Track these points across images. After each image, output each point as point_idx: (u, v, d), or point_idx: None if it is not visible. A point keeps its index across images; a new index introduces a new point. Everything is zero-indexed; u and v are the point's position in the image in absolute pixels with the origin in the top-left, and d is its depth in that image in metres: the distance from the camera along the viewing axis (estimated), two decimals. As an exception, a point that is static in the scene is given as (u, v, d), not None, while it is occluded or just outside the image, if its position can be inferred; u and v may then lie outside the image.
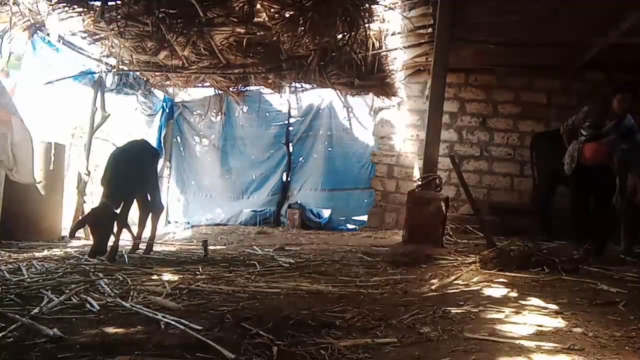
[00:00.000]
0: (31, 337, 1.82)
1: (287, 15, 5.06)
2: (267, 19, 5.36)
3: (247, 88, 8.03)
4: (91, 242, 5.51)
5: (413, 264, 3.61)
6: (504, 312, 2.20)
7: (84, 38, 6.04)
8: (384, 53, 6.28)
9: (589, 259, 3.71)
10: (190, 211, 8.57)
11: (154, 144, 7.04)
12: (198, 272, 3.32)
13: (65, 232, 5.65)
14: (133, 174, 3.94)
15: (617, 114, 4.47)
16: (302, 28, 5.03)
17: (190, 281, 2.97)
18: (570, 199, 4.79)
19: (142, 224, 4.28)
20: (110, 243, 3.86)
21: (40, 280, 2.89)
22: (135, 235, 4.20)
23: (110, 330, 1.95)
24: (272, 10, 5.19)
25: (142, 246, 4.31)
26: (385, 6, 5.25)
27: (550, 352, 1.65)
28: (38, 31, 5.55)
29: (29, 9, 5.23)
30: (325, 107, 8.43)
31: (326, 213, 8.31)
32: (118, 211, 3.85)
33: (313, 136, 8.50)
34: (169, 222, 8.30)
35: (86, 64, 6.45)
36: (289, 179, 8.57)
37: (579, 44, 5.95)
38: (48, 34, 5.70)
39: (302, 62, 6.35)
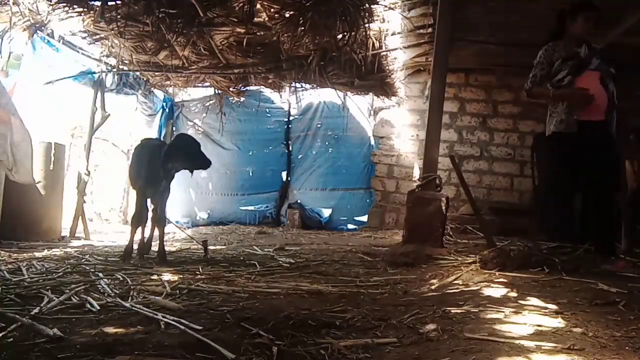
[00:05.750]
0: (31, 337, 1.81)
1: (287, 15, 5.06)
2: (267, 19, 5.37)
3: (247, 88, 8.04)
4: (90, 242, 5.55)
5: (413, 264, 3.61)
6: (503, 312, 2.20)
7: (84, 38, 6.05)
8: (384, 53, 6.28)
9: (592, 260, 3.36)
10: (189, 210, 8.57)
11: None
12: (198, 272, 3.32)
13: (65, 232, 5.67)
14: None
15: (581, 41, 3.72)
16: (302, 28, 5.04)
17: (190, 281, 2.96)
18: (549, 173, 4.03)
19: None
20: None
21: (40, 280, 2.89)
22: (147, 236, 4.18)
23: (110, 330, 1.95)
24: (272, 10, 5.19)
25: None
26: (385, 6, 5.25)
27: (550, 352, 1.65)
28: (38, 31, 5.55)
29: (29, 9, 5.23)
30: (325, 107, 8.45)
31: (326, 213, 8.32)
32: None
33: (313, 135, 8.52)
34: (169, 222, 8.30)
35: (86, 64, 6.45)
36: (288, 178, 8.58)
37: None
38: (48, 34, 5.70)
39: (302, 62, 6.36)
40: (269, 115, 8.68)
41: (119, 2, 5.01)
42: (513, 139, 7.47)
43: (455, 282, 2.98)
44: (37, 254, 4.04)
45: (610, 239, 3.80)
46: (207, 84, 7.85)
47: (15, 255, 3.95)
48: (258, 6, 5.16)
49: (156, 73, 7.02)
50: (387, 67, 6.65)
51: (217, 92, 8.13)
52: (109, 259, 3.92)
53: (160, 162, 3.82)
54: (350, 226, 8.12)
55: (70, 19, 5.37)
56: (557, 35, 3.91)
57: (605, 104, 3.68)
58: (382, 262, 3.85)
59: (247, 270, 3.47)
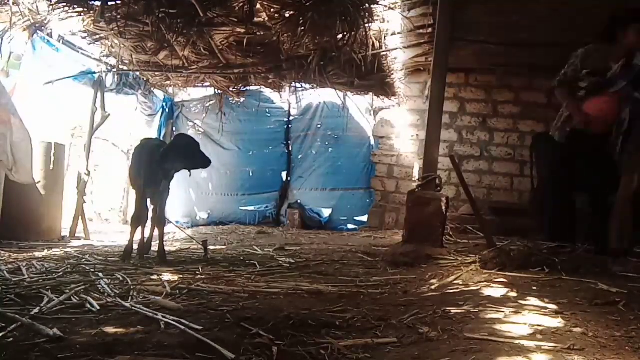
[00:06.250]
0: (31, 337, 1.82)
1: (287, 15, 5.06)
2: (267, 19, 5.36)
3: (247, 88, 8.03)
4: (90, 242, 5.55)
5: (413, 264, 3.61)
6: (503, 312, 2.20)
7: (84, 38, 6.05)
8: (384, 53, 6.28)
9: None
10: (190, 210, 8.57)
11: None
12: (198, 272, 3.32)
13: (65, 232, 5.67)
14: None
15: (626, 53, 3.44)
16: (302, 28, 5.03)
17: (190, 281, 2.97)
18: (550, 179, 3.90)
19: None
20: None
21: (40, 280, 2.89)
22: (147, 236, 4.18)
23: (110, 330, 1.95)
24: (272, 10, 5.19)
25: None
26: (385, 6, 5.25)
27: (550, 352, 1.65)
28: (38, 31, 5.55)
29: (29, 9, 5.23)
30: (325, 107, 8.45)
31: (326, 213, 8.32)
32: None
33: (313, 135, 8.52)
34: (169, 222, 8.30)
35: (86, 64, 6.45)
36: (288, 178, 8.58)
37: (579, 44, 5.94)
38: (48, 34, 5.70)
39: (302, 62, 6.35)
40: (269, 115, 8.68)
41: (119, 2, 5.01)
42: (513, 139, 7.47)
43: (455, 282, 2.98)
44: (37, 254, 4.04)
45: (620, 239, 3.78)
46: (207, 84, 7.84)
47: (15, 255, 3.95)
48: (258, 6, 5.15)
49: (156, 73, 7.02)
50: (387, 67, 6.64)
51: (217, 92, 8.13)
52: (109, 259, 3.92)
53: (159, 162, 3.82)
54: (350, 226, 8.12)
55: (70, 19, 5.36)
56: (605, 38, 3.68)
57: (610, 124, 3.60)
58: (382, 262, 3.85)
59: (247, 270, 3.47)
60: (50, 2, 5.02)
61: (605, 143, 3.70)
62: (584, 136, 3.69)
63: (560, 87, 3.82)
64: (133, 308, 2.26)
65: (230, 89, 7.84)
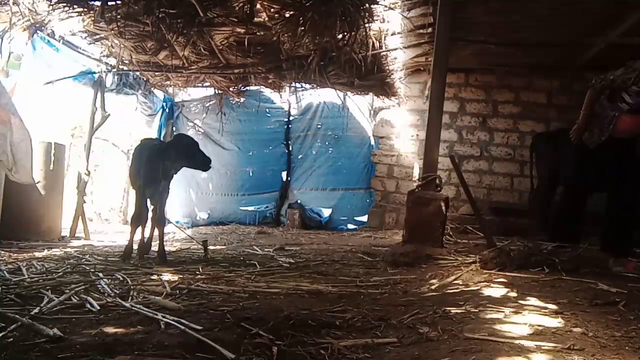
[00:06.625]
0: (31, 337, 1.82)
1: (287, 15, 5.06)
2: (267, 19, 5.36)
3: (247, 88, 8.03)
4: (90, 242, 5.55)
5: (413, 264, 3.61)
6: (503, 312, 2.20)
7: (84, 38, 6.05)
8: (384, 53, 6.28)
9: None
10: (190, 210, 8.57)
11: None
12: (198, 272, 3.32)
13: (65, 232, 5.67)
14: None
15: None
16: (302, 28, 5.03)
17: (190, 281, 2.97)
18: (570, 182, 4.05)
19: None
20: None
21: (40, 280, 2.89)
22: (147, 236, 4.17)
23: (110, 330, 1.95)
24: (272, 10, 5.19)
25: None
26: (385, 6, 5.25)
27: (550, 352, 1.65)
28: (38, 31, 5.55)
29: (29, 9, 5.23)
30: (325, 107, 8.45)
31: (326, 213, 8.31)
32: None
33: (313, 135, 8.52)
34: (169, 222, 8.30)
35: (86, 64, 6.45)
36: (288, 178, 8.58)
37: (579, 44, 5.96)
38: (48, 34, 5.70)
39: (302, 62, 6.36)
40: (269, 115, 8.68)
41: (119, 2, 5.01)
42: (513, 139, 7.47)
43: (455, 282, 2.98)
44: (37, 254, 4.04)
45: (621, 240, 3.78)
46: (207, 84, 7.84)
47: (15, 255, 3.95)
48: (258, 6, 5.16)
49: (156, 73, 7.02)
50: (387, 67, 6.64)
51: (217, 92, 8.13)
52: (109, 259, 3.92)
53: (159, 162, 3.82)
54: (350, 226, 8.12)
55: (70, 19, 5.36)
56: None
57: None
58: (382, 262, 3.86)
59: (247, 270, 3.47)
60: (50, 2, 5.02)
61: (634, 144, 3.68)
62: (614, 141, 3.68)
63: (597, 91, 3.70)
64: (133, 308, 2.26)
65: (230, 89, 7.84)
